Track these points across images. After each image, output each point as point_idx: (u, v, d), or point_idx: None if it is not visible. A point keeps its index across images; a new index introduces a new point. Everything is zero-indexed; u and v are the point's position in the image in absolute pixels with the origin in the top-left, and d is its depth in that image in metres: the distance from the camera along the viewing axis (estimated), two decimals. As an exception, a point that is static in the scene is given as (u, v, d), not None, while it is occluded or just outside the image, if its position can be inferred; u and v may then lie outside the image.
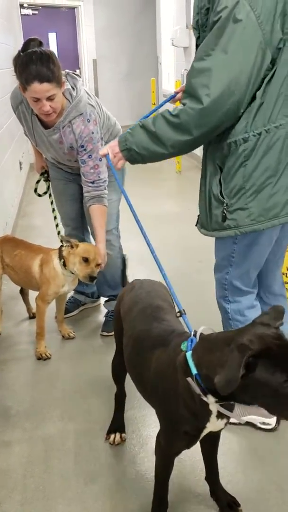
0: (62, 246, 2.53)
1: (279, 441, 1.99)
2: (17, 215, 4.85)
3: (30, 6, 8.24)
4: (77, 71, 9.40)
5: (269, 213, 1.71)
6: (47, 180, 2.86)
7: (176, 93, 2.04)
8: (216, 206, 1.76)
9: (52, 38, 8.89)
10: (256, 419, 2.05)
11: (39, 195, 2.91)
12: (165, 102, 2.12)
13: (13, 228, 4.36)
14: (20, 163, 4.47)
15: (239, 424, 2.04)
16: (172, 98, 2.07)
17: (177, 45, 7.12)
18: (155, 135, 1.67)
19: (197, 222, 1.97)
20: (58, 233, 2.69)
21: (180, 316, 1.58)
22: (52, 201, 2.84)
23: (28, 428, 2.12)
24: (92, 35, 9.39)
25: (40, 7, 8.47)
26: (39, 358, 2.59)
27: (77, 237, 2.70)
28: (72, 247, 2.47)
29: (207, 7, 1.61)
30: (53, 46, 8.83)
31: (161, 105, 2.18)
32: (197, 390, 1.31)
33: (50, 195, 2.86)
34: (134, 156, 1.74)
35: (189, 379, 1.32)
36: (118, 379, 1.99)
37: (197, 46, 1.71)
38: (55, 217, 2.81)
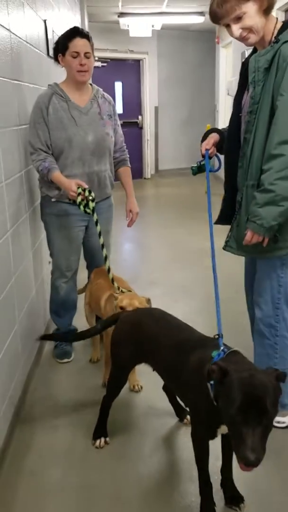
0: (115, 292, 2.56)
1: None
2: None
3: (100, 59, 9.07)
4: (139, 117, 10.18)
5: None
6: (89, 194, 2.61)
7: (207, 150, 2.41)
8: None
9: (118, 87, 9.66)
10: None
11: (90, 211, 2.61)
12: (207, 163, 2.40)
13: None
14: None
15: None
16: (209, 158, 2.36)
17: (232, 95, 7.58)
18: (282, 197, 1.87)
19: (226, 245, 2.22)
20: (112, 280, 2.66)
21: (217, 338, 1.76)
22: (97, 220, 2.66)
23: (74, 416, 2.51)
24: (155, 85, 10.10)
25: (109, 60, 9.31)
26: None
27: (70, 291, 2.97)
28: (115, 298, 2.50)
29: (266, 67, 1.90)
30: (118, 94, 9.61)
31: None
32: (211, 395, 1.54)
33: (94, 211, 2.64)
34: (275, 227, 1.94)
35: (208, 384, 1.54)
36: (114, 396, 2.24)
37: (251, 98, 1.98)
38: (102, 245, 2.69)
